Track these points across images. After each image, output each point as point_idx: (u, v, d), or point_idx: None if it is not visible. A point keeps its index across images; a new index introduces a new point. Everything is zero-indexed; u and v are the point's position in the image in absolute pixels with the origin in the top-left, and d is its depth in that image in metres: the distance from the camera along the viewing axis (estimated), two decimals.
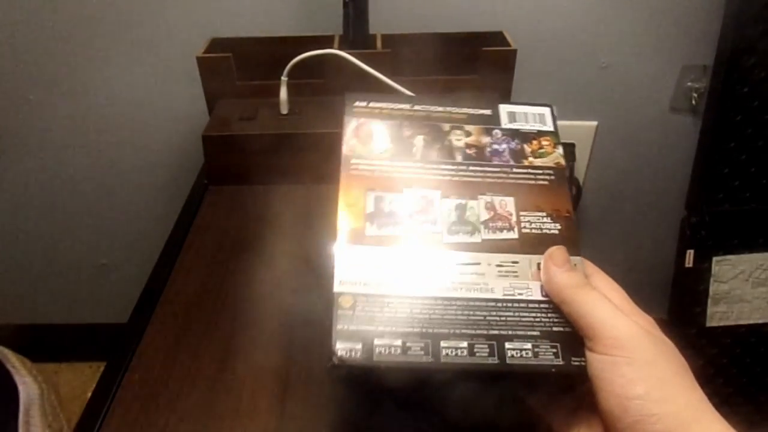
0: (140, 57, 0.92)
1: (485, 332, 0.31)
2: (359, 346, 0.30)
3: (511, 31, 0.80)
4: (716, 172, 0.98)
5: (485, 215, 0.36)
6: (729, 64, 0.89)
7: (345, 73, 0.71)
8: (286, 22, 0.89)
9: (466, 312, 0.32)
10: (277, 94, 0.71)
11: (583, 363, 0.30)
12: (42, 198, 1.08)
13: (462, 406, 0.31)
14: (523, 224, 0.36)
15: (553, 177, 0.38)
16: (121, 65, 0.93)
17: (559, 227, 0.36)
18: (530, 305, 0.33)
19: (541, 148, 0.39)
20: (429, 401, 0.33)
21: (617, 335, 0.28)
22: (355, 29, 0.75)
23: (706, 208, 1.01)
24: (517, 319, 0.32)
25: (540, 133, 0.40)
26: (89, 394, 0.45)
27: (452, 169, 0.38)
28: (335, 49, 0.70)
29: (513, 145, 0.39)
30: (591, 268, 0.34)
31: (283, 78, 0.70)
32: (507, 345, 0.31)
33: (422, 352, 0.30)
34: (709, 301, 1.06)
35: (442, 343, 0.31)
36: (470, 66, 0.76)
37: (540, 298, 0.33)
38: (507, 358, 0.31)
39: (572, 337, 0.31)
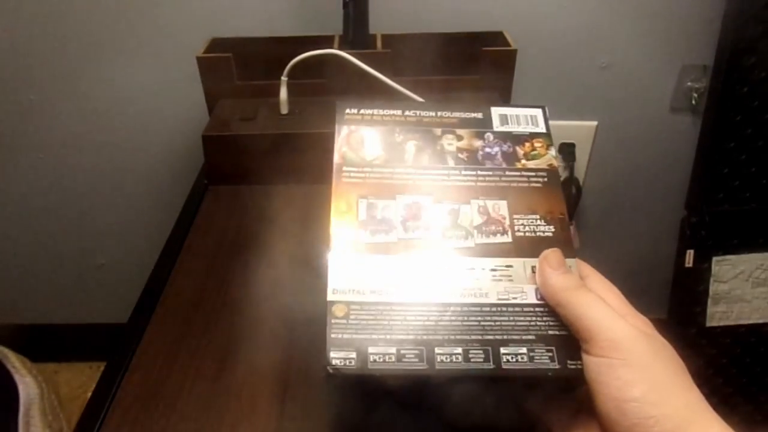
0: (140, 57, 0.92)
1: (480, 337, 0.31)
2: (353, 355, 0.30)
3: (511, 31, 0.80)
4: (716, 172, 0.98)
5: (478, 219, 0.36)
6: (729, 64, 0.89)
7: (345, 73, 0.71)
8: (286, 22, 0.89)
9: (460, 317, 0.32)
10: (277, 94, 0.71)
11: (579, 366, 0.30)
12: (42, 198, 1.08)
13: (459, 411, 0.31)
14: (516, 227, 0.35)
15: (546, 179, 0.38)
16: (121, 65, 0.93)
17: (553, 229, 0.35)
18: (525, 309, 0.32)
19: (533, 150, 0.39)
20: (426, 406, 0.33)
21: (613, 337, 0.28)
22: (355, 29, 0.75)
23: (706, 208, 1.01)
24: (512, 323, 0.32)
25: (532, 135, 0.40)
26: (89, 394, 0.45)
27: (444, 174, 0.38)
28: (335, 49, 0.70)
29: (505, 147, 0.39)
30: (587, 269, 0.34)
31: (283, 78, 0.70)
32: (502, 350, 0.31)
33: (417, 359, 0.30)
34: (709, 301, 1.06)
35: (437, 350, 0.30)
36: (470, 66, 0.76)
37: (535, 301, 0.33)
38: (502, 363, 0.30)
39: (568, 340, 0.31)
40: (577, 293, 0.31)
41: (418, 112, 0.41)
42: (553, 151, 0.39)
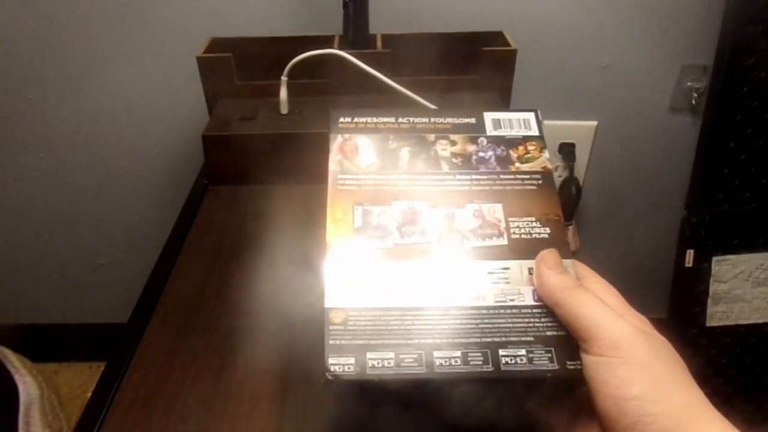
0: (140, 57, 0.92)
1: (478, 340, 0.31)
2: (352, 361, 0.30)
3: (511, 31, 0.80)
4: (716, 172, 0.98)
5: (474, 223, 0.36)
6: (729, 64, 0.89)
7: (345, 73, 0.71)
8: (286, 22, 0.89)
9: (458, 321, 0.32)
10: (277, 94, 0.71)
11: (578, 366, 0.30)
12: (41, 198, 1.08)
13: (459, 413, 0.31)
14: (512, 230, 0.36)
15: (540, 181, 0.38)
16: (121, 65, 0.93)
17: (549, 231, 0.36)
18: (523, 311, 0.32)
19: (527, 153, 0.39)
20: (427, 409, 0.33)
21: (611, 336, 0.28)
22: (355, 29, 0.75)
23: (706, 208, 1.01)
24: (510, 325, 0.32)
25: (525, 138, 0.40)
26: (89, 394, 0.45)
27: (439, 179, 0.38)
28: (335, 49, 0.70)
29: (499, 151, 0.39)
30: (584, 270, 0.34)
31: (283, 78, 0.70)
32: (501, 352, 0.31)
33: (416, 364, 0.30)
34: (709, 300, 1.06)
35: (436, 354, 0.30)
36: (470, 66, 0.76)
37: (532, 303, 0.33)
38: (501, 366, 0.30)
39: (567, 340, 0.31)
40: (575, 293, 0.31)
41: (411, 119, 0.41)
42: (546, 154, 0.39)
